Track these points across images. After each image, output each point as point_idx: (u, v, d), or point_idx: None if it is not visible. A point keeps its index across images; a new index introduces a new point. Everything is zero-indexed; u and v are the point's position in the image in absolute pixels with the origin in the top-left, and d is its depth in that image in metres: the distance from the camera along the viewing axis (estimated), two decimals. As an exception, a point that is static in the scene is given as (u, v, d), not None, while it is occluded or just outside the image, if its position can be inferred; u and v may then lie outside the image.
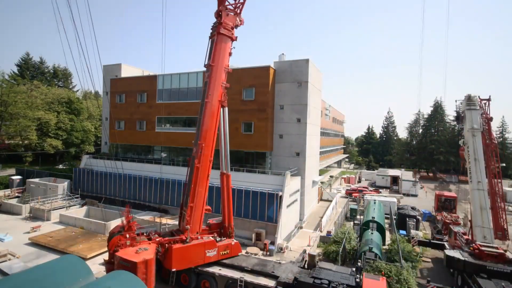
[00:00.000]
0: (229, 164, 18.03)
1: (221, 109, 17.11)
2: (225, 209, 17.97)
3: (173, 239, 15.67)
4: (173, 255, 15.01)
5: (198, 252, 15.79)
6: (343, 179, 56.56)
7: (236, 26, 17.21)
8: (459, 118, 21.56)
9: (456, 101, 22.21)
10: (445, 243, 21.51)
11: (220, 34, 16.44)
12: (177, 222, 23.45)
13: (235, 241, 17.32)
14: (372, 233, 20.80)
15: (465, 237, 20.55)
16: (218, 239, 17.07)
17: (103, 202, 32.18)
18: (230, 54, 17.16)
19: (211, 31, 17.20)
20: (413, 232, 25.42)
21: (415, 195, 46.43)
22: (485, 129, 21.29)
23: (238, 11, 16.99)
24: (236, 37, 17.23)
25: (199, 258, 15.81)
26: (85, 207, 30.08)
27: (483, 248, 17.67)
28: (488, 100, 22.12)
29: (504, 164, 22.42)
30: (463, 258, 17.39)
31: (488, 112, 22.01)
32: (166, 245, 15.32)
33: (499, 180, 21.61)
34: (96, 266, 18.29)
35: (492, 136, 21.77)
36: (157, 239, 15.29)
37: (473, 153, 19.25)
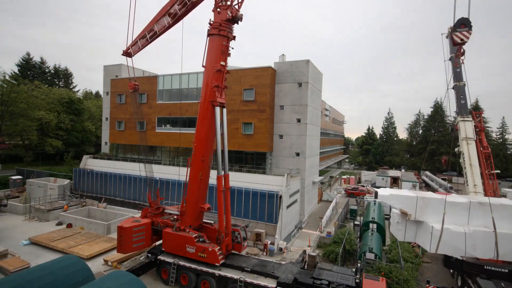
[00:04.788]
0: (221, 166, 16.58)
1: (217, 109, 16.29)
2: (219, 212, 16.91)
3: (166, 222, 17.97)
4: (163, 236, 17.54)
5: (180, 243, 16.89)
6: (343, 180, 56.54)
7: (232, 21, 16.06)
8: (453, 130, 23.36)
9: (450, 115, 23.83)
10: None
11: (209, 34, 16.26)
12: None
13: (211, 248, 15.93)
14: (372, 234, 20.78)
15: None
16: (202, 239, 16.77)
17: (103, 202, 32.18)
18: (222, 52, 16.14)
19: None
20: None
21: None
22: (479, 138, 22.60)
23: (229, 3, 15.93)
24: (228, 32, 16.03)
25: (180, 249, 16.91)
26: (85, 207, 30.07)
27: None
28: (481, 112, 24.65)
29: (498, 171, 23.44)
30: (461, 258, 17.45)
31: (482, 124, 23.78)
32: (160, 224, 17.99)
33: (498, 182, 22.09)
34: (96, 266, 18.29)
35: (485, 144, 22.92)
36: (153, 218, 18.41)
37: (468, 159, 20.09)
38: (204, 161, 16.90)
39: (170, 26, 17.70)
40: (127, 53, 18.86)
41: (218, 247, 16.16)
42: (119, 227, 16.81)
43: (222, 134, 16.83)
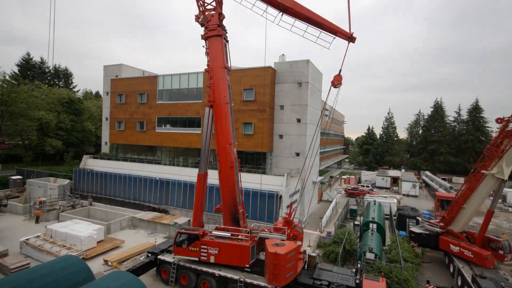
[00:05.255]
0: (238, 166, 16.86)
1: (230, 108, 16.28)
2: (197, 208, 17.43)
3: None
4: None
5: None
6: (343, 180, 56.53)
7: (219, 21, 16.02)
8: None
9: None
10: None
11: (207, 37, 16.16)
12: (178, 221, 25.63)
13: None
14: (372, 234, 20.79)
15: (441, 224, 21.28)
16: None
17: (104, 202, 32.18)
18: (224, 51, 16.17)
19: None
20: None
21: (415, 196, 46.45)
22: None
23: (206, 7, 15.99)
24: (202, 35, 16.25)
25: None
26: (85, 207, 30.07)
27: (450, 228, 20.01)
28: None
29: None
30: (419, 231, 21.22)
31: None
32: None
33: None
34: (96, 266, 18.28)
35: None
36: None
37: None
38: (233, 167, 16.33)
39: None
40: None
41: None
42: (274, 253, 13.63)
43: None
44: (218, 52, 16.01)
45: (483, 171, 18.31)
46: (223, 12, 16.19)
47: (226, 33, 16.47)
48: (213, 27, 15.86)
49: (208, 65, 16.40)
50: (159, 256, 17.42)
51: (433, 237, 20.98)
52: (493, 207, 18.61)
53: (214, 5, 15.97)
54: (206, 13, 16.02)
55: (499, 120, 18.50)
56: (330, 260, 20.31)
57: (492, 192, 20.73)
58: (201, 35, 16.30)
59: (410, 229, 23.29)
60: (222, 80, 15.99)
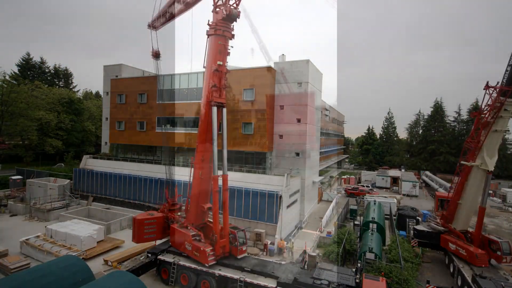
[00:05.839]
0: (216, 166, 16.54)
1: (214, 109, 16.37)
2: (213, 212, 17.01)
3: (177, 218, 18.73)
4: (170, 231, 18.51)
5: (181, 239, 17.33)
6: (343, 180, 56.53)
7: (229, 19, 16.11)
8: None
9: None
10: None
11: (208, 35, 16.65)
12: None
13: (203, 248, 15.93)
14: (372, 234, 20.79)
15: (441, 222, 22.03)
16: (198, 238, 16.81)
17: (104, 202, 32.16)
18: (220, 51, 16.25)
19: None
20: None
21: (416, 196, 46.47)
22: None
23: (224, 1, 16.16)
24: (224, 31, 16.10)
25: (181, 246, 17.35)
26: (85, 207, 30.10)
27: (449, 225, 20.45)
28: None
29: None
30: (422, 229, 21.82)
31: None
32: (173, 219, 18.72)
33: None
34: (96, 266, 18.29)
35: None
36: (167, 213, 19.11)
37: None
38: (204, 161, 17.16)
39: (183, 11, 18.39)
40: (153, 26, 19.89)
41: (211, 248, 16.09)
42: (134, 218, 18.19)
43: (221, 134, 16.93)
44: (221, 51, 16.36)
45: (466, 162, 18.73)
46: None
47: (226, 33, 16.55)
48: (212, 25, 16.26)
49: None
50: (159, 256, 17.44)
51: (435, 235, 21.26)
52: (484, 203, 18.98)
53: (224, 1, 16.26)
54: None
55: (473, 115, 19.41)
56: (330, 260, 20.32)
57: (492, 192, 20.94)
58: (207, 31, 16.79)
59: (414, 227, 23.58)
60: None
